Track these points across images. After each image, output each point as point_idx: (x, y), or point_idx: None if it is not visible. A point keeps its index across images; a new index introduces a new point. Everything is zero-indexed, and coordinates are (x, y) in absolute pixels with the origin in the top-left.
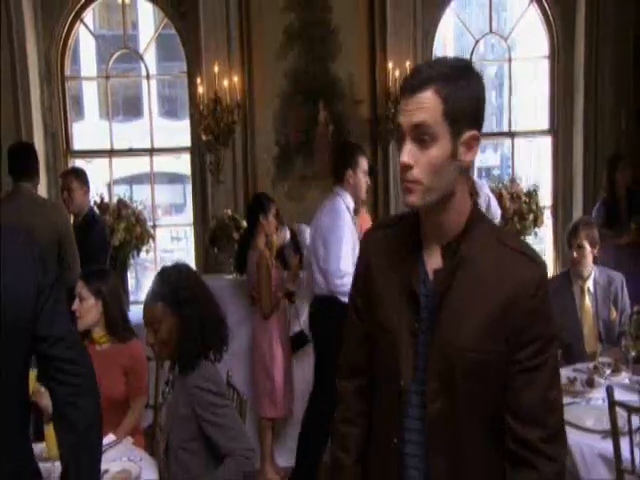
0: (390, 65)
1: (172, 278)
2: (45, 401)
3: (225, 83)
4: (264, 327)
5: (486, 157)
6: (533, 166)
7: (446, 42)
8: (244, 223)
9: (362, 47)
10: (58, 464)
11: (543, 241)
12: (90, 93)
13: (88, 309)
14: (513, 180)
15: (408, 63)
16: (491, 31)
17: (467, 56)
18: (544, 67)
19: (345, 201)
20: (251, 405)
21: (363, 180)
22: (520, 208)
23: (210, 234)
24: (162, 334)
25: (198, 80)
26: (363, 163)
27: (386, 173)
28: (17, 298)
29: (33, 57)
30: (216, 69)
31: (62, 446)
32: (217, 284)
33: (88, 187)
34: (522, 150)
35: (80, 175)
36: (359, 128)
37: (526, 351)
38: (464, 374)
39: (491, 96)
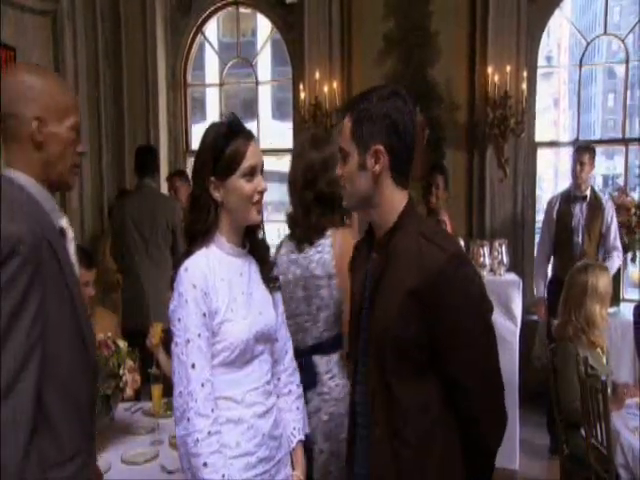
0: (490, 70)
1: None
2: (163, 356)
3: (325, 89)
4: None
5: (615, 164)
6: None
7: (561, 44)
8: None
9: (461, 52)
10: (162, 420)
11: None
12: (212, 97)
13: None
14: (622, 190)
15: (509, 68)
16: (606, 32)
17: (578, 59)
18: None
19: None
20: None
21: None
22: (629, 221)
23: None
24: None
25: (300, 86)
26: None
27: (482, 179)
28: None
29: (162, 68)
30: (317, 75)
31: None
32: None
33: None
34: None
35: (183, 175)
36: (455, 133)
37: (438, 330)
38: (391, 350)
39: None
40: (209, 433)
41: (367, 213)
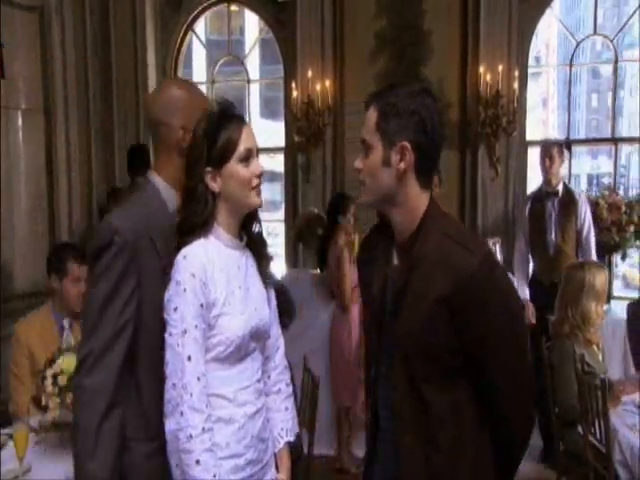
0: (481, 69)
1: None
2: None
3: (318, 87)
4: (343, 318)
5: (599, 163)
6: None
7: (550, 43)
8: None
9: (453, 51)
10: None
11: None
12: None
13: None
14: (611, 189)
15: (501, 67)
16: (595, 32)
17: (564, 59)
18: None
19: None
20: (329, 394)
21: None
22: (619, 219)
23: (296, 230)
24: None
25: (293, 84)
26: None
27: (474, 178)
28: None
29: (152, 65)
30: (309, 74)
31: None
32: (302, 277)
33: None
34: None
35: None
36: (447, 132)
37: (470, 334)
38: (419, 356)
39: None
40: (203, 429)
41: (387, 213)
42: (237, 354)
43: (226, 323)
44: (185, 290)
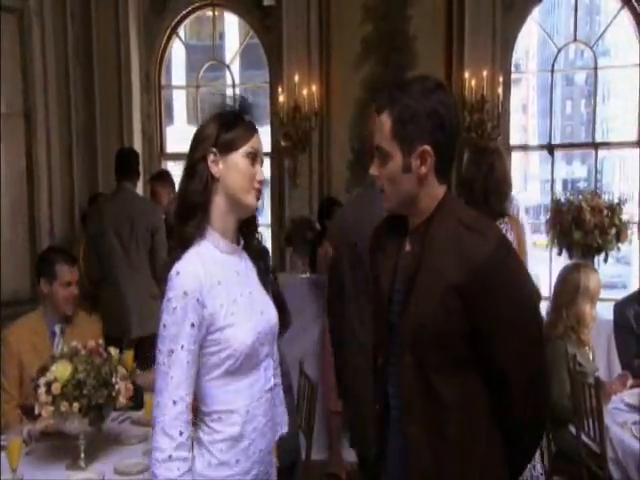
0: (466, 74)
1: None
2: (141, 378)
3: (304, 92)
4: None
5: (573, 169)
6: (626, 179)
7: (529, 50)
8: (318, 225)
9: (439, 56)
10: None
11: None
12: (180, 100)
13: None
14: (594, 192)
15: (485, 72)
16: (575, 39)
17: (544, 66)
18: (636, 76)
19: None
20: (320, 398)
21: None
22: (601, 222)
23: (286, 234)
24: None
25: (279, 89)
26: None
27: None
28: None
29: (135, 70)
30: (296, 79)
31: None
32: (292, 282)
33: (173, 189)
34: (614, 163)
35: (164, 179)
36: None
37: (483, 321)
38: (430, 344)
39: (580, 105)
40: (170, 457)
41: (405, 210)
42: (249, 363)
43: (232, 335)
44: (175, 309)
